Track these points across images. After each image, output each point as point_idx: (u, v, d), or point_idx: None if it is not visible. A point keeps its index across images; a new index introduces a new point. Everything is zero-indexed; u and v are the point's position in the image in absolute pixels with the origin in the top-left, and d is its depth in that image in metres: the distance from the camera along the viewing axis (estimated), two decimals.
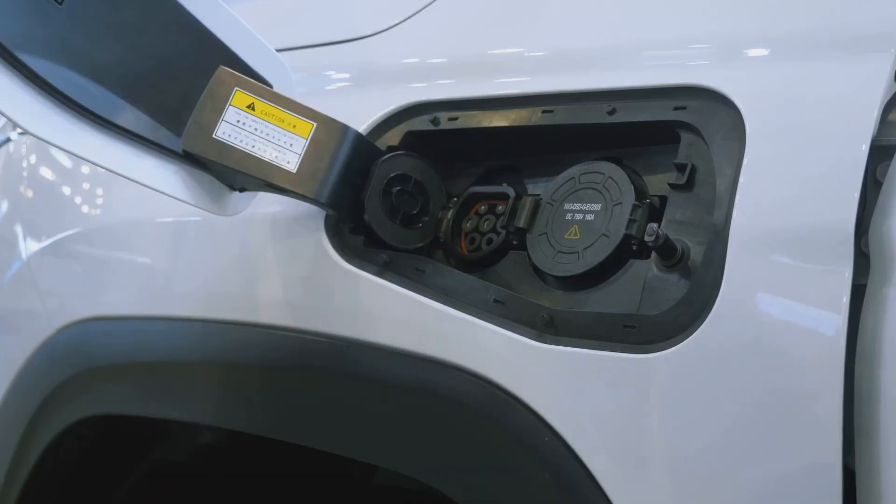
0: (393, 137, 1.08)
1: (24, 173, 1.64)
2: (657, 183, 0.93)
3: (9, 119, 0.92)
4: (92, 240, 1.44)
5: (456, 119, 1.04)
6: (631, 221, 0.89)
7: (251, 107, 1.01)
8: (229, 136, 1.00)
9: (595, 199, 0.93)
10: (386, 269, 1.03)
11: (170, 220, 1.27)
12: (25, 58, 0.90)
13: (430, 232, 1.07)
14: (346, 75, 1.22)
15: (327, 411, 1.10)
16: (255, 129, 1.01)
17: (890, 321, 0.73)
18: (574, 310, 0.92)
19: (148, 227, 1.32)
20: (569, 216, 0.95)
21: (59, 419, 1.42)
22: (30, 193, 1.62)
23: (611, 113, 0.93)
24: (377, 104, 1.10)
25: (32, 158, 1.63)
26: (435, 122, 1.06)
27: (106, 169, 0.99)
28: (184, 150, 1.02)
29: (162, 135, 1.02)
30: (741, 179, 0.81)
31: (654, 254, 0.86)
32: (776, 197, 0.79)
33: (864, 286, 0.75)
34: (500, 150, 1.03)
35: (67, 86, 0.94)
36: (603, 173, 0.94)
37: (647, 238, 0.83)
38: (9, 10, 0.91)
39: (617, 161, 0.95)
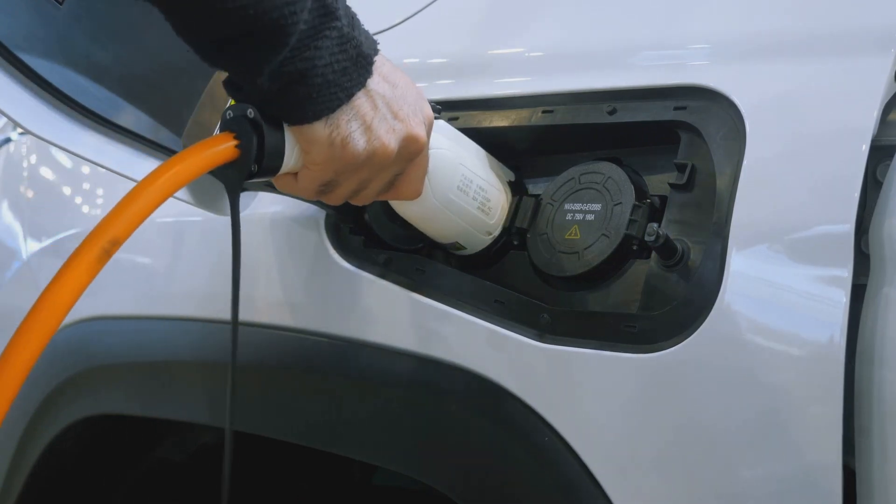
0: None
1: (24, 173, 1.64)
2: (657, 183, 0.93)
3: (9, 119, 0.91)
4: None
5: (456, 119, 1.04)
6: (631, 221, 0.89)
7: None
8: None
9: (595, 199, 0.93)
10: (386, 269, 1.03)
11: (170, 220, 1.27)
12: (25, 58, 0.90)
13: None
14: None
15: (327, 411, 1.10)
16: None
17: (890, 321, 0.73)
18: (574, 310, 0.92)
19: (148, 227, 1.32)
20: (569, 216, 0.95)
21: (59, 419, 1.42)
22: (30, 193, 1.62)
23: (611, 113, 0.93)
24: None
25: (32, 158, 1.63)
26: None
27: (106, 169, 0.99)
28: None
29: (162, 135, 1.02)
30: (741, 179, 0.81)
31: (654, 254, 0.86)
32: (776, 197, 0.79)
33: (864, 286, 0.75)
34: (500, 150, 1.03)
35: (67, 86, 0.94)
36: (603, 173, 0.94)
37: (647, 238, 0.83)
38: (9, 10, 0.91)
39: (617, 161, 0.95)
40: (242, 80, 0.79)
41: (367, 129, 0.81)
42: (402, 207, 0.97)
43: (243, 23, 0.72)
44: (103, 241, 0.73)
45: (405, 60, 1.13)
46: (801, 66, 0.83)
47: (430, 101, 0.94)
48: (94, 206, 1.46)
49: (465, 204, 0.96)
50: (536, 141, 1.01)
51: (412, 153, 0.86)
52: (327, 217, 1.08)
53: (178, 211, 1.13)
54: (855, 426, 0.74)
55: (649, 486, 0.83)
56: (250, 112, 0.79)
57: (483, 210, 0.98)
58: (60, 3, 0.92)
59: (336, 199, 0.87)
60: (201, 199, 1.06)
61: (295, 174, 0.84)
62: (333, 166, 0.82)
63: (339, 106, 0.79)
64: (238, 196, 0.84)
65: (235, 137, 0.79)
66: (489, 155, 1.01)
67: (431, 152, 0.92)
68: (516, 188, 1.02)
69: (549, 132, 0.98)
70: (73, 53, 0.96)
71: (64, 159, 1.55)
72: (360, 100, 0.80)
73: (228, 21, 0.73)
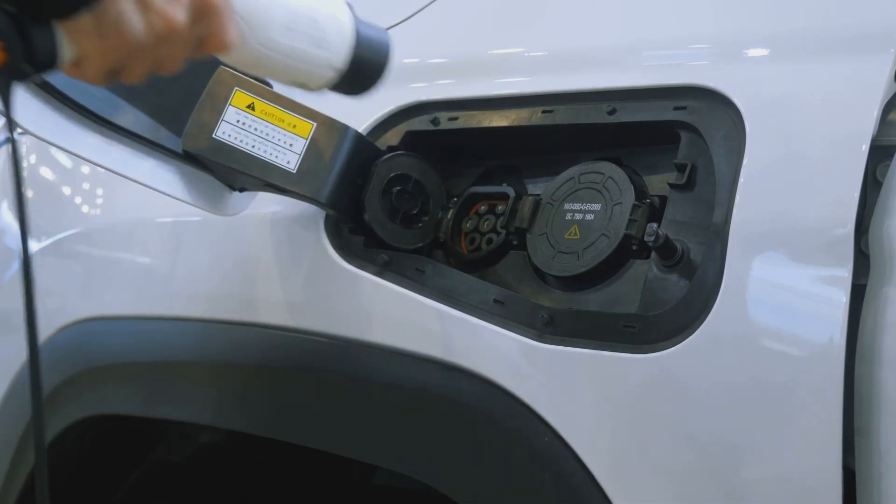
0: (393, 137, 1.08)
1: (24, 173, 1.64)
2: (657, 183, 0.93)
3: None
4: (92, 240, 1.44)
5: (456, 119, 1.04)
6: (631, 221, 0.89)
7: (251, 107, 1.01)
8: (229, 136, 1.00)
9: (595, 199, 0.93)
10: (386, 269, 1.03)
11: (170, 220, 1.27)
12: None
13: (430, 232, 1.07)
14: None
15: (327, 411, 1.10)
16: (255, 129, 1.01)
17: (890, 321, 0.73)
18: (574, 310, 0.92)
19: (148, 227, 1.32)
20: (569, 216, 0.95)
21: (58, 419, 1.42)
22: (30, 193, 1.62)
23: (611, 113, 0.93)
24: (377, 104, 1.10)
25: (32, 158, 1.63)
26: (435, 122, 1.06)
27: (106, 169, 0.99)
28: (184, 150, 1.02)
29: (162, 135, 1.02)
30: (741, 179, 0.81)
31: (654, 254, 0.86)
32: (776, 197, 0.79)
33: (864, 286, 0.75)
34: (500, 150, 1.03)
35: (67, 86, 0.94)
36: (603, 173, 0.94)
37: (647, 238, 0.83)
38: None
39: (617, 161, 0.95)
40: None
41: (143, 5, 0.70)
42: (226, 58, 0.87)
43: None
44: None
45: (405, 60, 1.13)
46: (800, 66, 0.83)
47: None
48: (94, 206, 1.46)
49: (296, 43, 0.85)
50: (536, 141, 1.01)
51: (206, 12, 0.74)
52: (327, 217, 1.08)
53: (177, 211, 1.13)
54: (855, 426, 0.74)
55: (649, 487, 0.83)
56: (9, 7, 0.70)
57: (319, 45, 0.86)
58: None
59: (133, 79, 0.76)
60: (201, 198, 1.06)
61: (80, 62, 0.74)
62: (114, 55, 0.71)
63: None
64: (9, 99, 0.73)
65: None
66: None
67: None
68: (516, 186, 1.02)
69: (549, 132, 0.98)
70: None
71: (64, 159, 1.55)
72: None
73: None
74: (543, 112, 0.98)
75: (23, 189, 0.75)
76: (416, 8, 1.16)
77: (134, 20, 0.70)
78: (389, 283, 1.02)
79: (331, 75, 0.89)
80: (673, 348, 0.81)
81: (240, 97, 1.01)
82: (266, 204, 1.13)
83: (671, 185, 0.88)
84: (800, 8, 0.87)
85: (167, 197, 1.04)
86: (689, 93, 0.89)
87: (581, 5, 1.05)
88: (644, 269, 0.88)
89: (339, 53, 0.88)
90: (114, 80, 0.76)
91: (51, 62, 0.72)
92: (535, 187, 1.03)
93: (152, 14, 0.71)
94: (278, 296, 1.13)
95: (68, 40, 0.71)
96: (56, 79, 0.92)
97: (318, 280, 1.08)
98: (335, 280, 1.06)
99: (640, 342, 0.84)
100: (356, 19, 0.89)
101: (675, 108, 0.89)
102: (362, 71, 0.90)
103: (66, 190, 1.57)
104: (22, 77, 0.73)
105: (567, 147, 1.00)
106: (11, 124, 0.74)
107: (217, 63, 1.01)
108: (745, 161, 0.81)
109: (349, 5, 0.89)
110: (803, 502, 0.75)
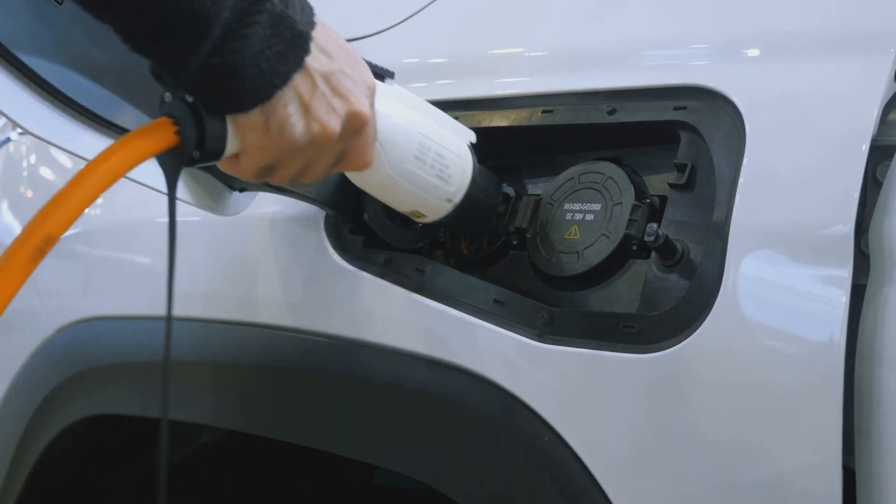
0: None
1: (24, 173, 1.64)
2: (657, 183, 0.93)
3: (8, 119, 0.92)
4: (92, 240, 1.44)
5: (455, 119, 1.04)
6: (631, 221, 0.90)
7: None
8: None
9: (595, 199, 0.93)
10: (386, 269, 1.03)
11: None
12: (25, 58, 0.90)
13: (429, 232, 1.07)
14: None
15: (327, 411, 1.10)
16: None
17: (890, 321, 0.73)
18: (574, 310, 0.92)
19: (148, 227, 1.32)
20: (569, 216, 0.95)
21: (58, 419, 1.42)
22: (30, 193, 1.62)
23: (611, 113, 0.93)
24: None
25: (32, 158, 1.63)
26: None
27: None
28: None
29: None
30: (741, 179, 0.81)
31: (654, 254, 0.86)
32: (776, 197, 0.79)
33: (864, 286, 0.75)
34: (500, 150, 1.03)
35: (67, 86, 0.94)
36: (603, 173, 0.94)
37: (647, 238, 0.84)
38: (9, 10, 0.91)
39: (617, 161, 0.95)
40: (166, 73, 0.73)
41: (306, 111, 0.75)
42: (357, 178, 0.94)
43: (159, 13, 0.67)
44: (37, 240, 0.67)
45: (405, 60, 1.13)
46: (800, 66, 0.83)
47: (382, 67, 0.91)
48: (94, 206, 1.46)
49: (422, 173, 0.92)
50: (536, 141, 1.01)
51: (356, 129, 0.80)
52: (327, 217, 1.08)
53: (178, 211, 1.13)
54: (855, 426, 0.74)
55: (649, 486, 0.83)
56: (188, 97, 0.74)
57: (442, 178, 0.93)
58: (60, 3, 0.92)
59: (281, 179, 0.81)
60: (201, 199, 1.06)
61: (236, 156, 0.78)
62: (272, 152, 0.77)
63: (275, 93, 0.73)
64: (176, 180, 0.77)
65: (174, 123, 0.73)
66: (447, 116, 0.97)
67: (386, 121, 0.87)
68: (515, 186, 1.02)
69: (549, 132, 0.98)
70: (73, 53, 0.96)
71: (64, 159, 1.55)
72: (297, 81, 0.74)
73: (140, 8, 0.67)
74: (543, 112, 0.98)
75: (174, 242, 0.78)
76: (416, 8, 1.16)
77: (296, 122, 0.75)
78: (389, 283, 1.02)
79: (447, 208, 0.95)
80: (673, 348, 0.81)
81: None
82: (266, 204, 1.13)
83: (671, 185, 0.88)
84: (800, 8, 0.87)
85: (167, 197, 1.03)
86: (689, 93, 0.89)
87: (581, 5, 1.05)
88: (644, 269, 0.88)
89: (458, 188, 0.95)
90: (264, 178, 0.81)
91: (218, 152, 0.76)
92: (535, 187, 1.03)
93: (312, 119, 0.76)
94: (278, 296, 1.13)
95: (234, 133, 0.75)
96: (55, 78, 0.92)
97: (318, 280, 1.08)
98: (335, 280, 1.06)
99: (640, 342, 0.84)
100: (475, 160, 0.97)
101: (675, 108, 0.89)
102: (473, 208, 0.97)
103: None
104: (189, 163, 0.76)
105: (567, 147, 1.00)
106: (173, 204, 0.77)
107: None
108: (745, 161, 0.81)
109: (471, 148, 0.97)
110: (803, 502, 0.75)
